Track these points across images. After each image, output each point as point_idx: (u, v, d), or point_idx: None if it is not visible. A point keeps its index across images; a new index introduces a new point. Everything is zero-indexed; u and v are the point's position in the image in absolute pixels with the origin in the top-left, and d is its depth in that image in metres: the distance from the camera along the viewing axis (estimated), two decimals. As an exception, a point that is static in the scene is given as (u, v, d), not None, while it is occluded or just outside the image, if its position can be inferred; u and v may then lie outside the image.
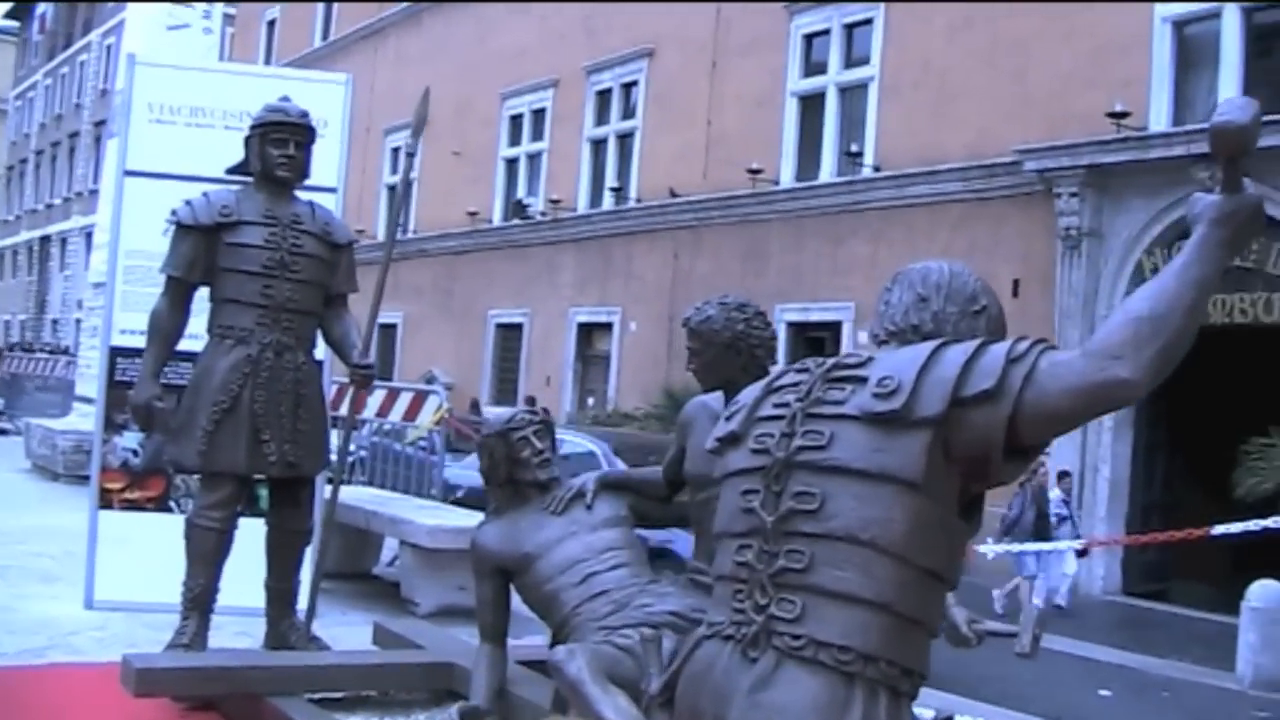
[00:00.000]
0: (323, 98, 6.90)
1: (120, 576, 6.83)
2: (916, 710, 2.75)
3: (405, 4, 32.90)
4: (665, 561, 7.46)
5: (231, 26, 31.15)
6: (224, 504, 5.48)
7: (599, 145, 26.46)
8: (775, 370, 2.87)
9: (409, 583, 7.61)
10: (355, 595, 7.96)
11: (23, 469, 14.41)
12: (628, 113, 25.78)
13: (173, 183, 6.94)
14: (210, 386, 5.44)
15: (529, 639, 6.91)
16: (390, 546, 8.92)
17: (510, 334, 28.15)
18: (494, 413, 22.80)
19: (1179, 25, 16.63)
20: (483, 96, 28.93)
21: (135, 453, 7.07)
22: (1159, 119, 16.45)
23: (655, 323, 23.87)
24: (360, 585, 8.27)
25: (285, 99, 5.78)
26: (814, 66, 21.70)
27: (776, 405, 2.72)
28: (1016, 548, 13.38)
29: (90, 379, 13.82)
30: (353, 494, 8.31)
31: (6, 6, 64.98)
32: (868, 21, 20.60)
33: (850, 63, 21.04)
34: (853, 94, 20.91)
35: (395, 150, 31.82)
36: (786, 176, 21.73)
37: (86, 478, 12.92)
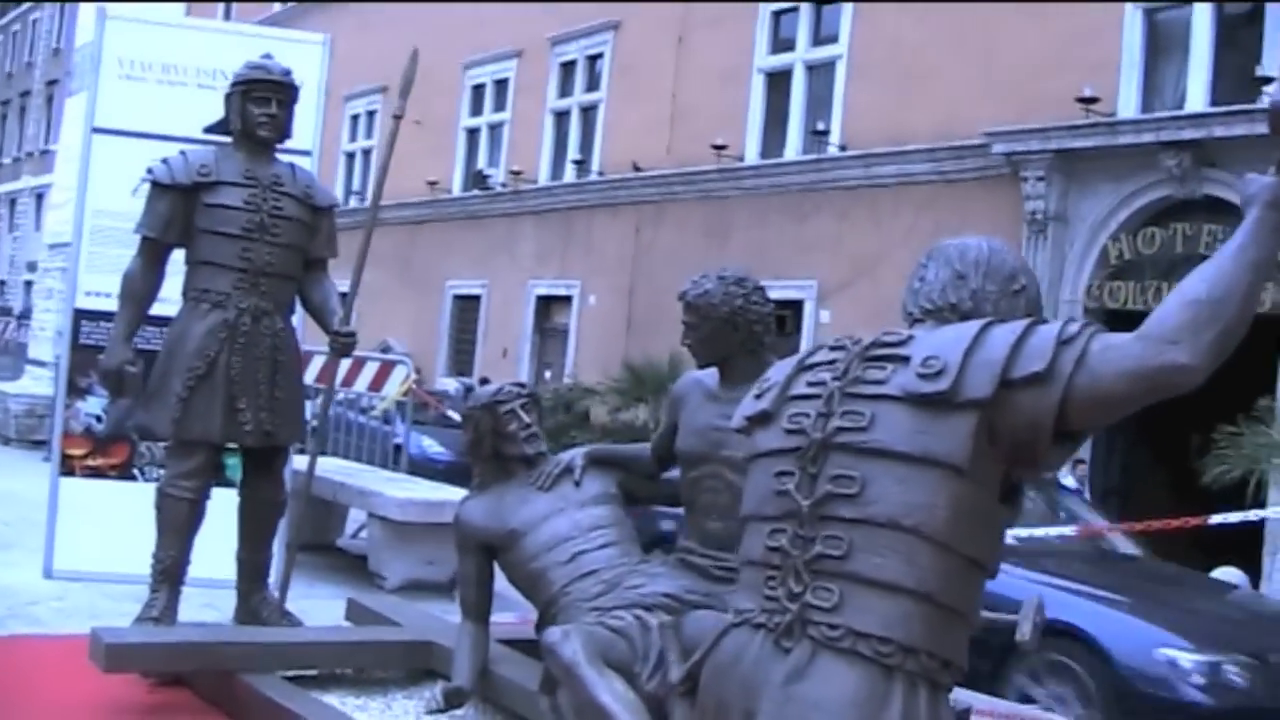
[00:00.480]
0: (299, 58, 6.69)
1: (81, 546, 6.67)
2: None
3: (367, -31, 32.53)
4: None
5: (190, -13, 30.60)
6: (197, 473, 5.31)
7: (562, 117, 26.21)
8: (807, 348, 2.74)
9: (377, 556, 7.47)
10: (321, 568, 7.81)
11: (-28, 432, 14.15)
12: (592, 85, 25.53)
13: (142, 141, 6.78)
14: (185, 351, 5.27)
15: (499, 615, 6.81)
16: (355, 518, 8.77)
17: (468, 305, 27.90)
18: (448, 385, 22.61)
19: (1150, 12, 16.58)
20: (444, 66, 28.53)
21: (99, 418, 6.88)
22: (1128, 105, 16.40)
23: (615, 296, 23.71)
24: (325, 558, 8.13)
25: (268, 56, 5.59)
26: (782, 43, 21.53)
27: (811, 384, 2.60)
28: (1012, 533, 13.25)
29: (44, 341, 13.58)
30: (319, 465, 8.13)
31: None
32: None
33: (819, 40, 20.88)
34: (820, 72, 20.75)
35: (355, 117, 31.44)
36: (751, 153, 21.57)
37: (39, 442, 12.81)
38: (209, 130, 5.66)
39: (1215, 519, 6.35)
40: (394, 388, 10.76)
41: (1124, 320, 16.15)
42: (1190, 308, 2.31)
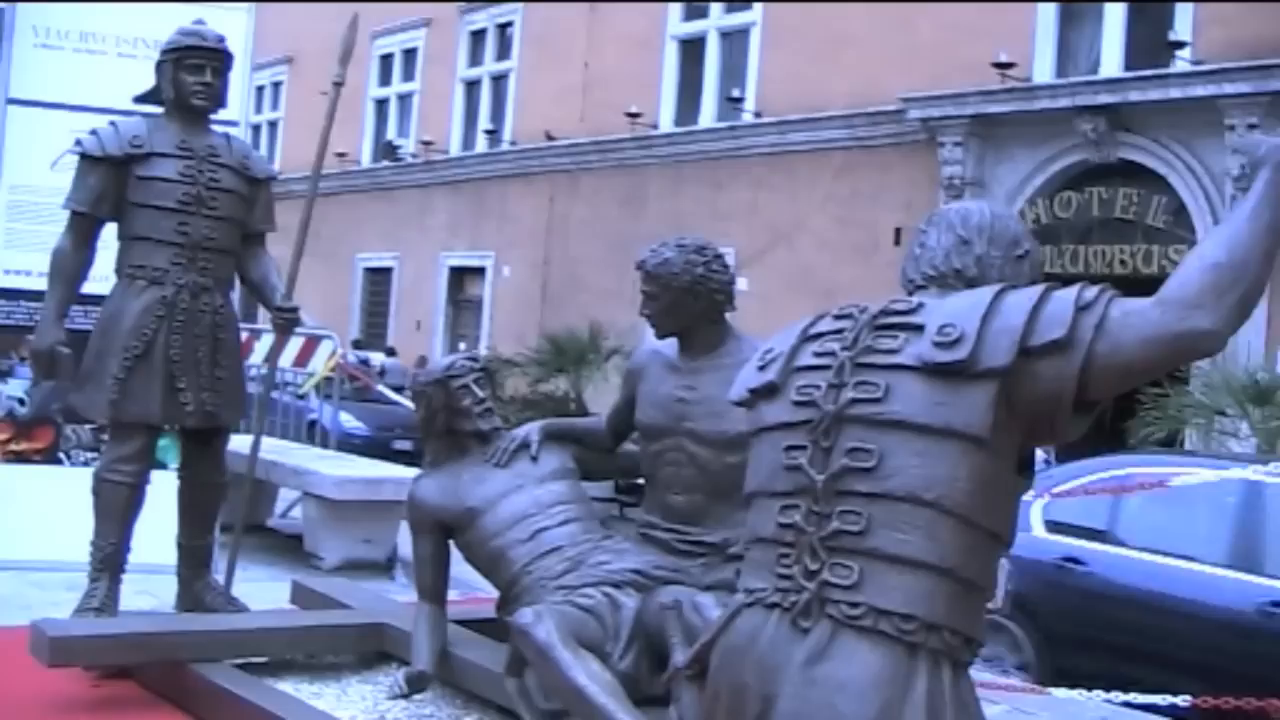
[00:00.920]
0: (222, 26, 6.46)
1: (5, 533, 6.43)
2: None
3: (268, -63, 31.87)
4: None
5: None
6: (136, 457, 5.11)
7: (473, 86, 25.91)
8: (810, 316, 2.65)
9: (313, 536, 7.30)
10: (253, 549, 7.59)
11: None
12: (503, 53, 25.26)
13: (61, 112, 6.54)
14: (121, 331, 5.06)
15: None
16: (285, 497, 8.59)
17: (379, 278, 27.58)
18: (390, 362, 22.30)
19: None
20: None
21: (21, 401, 6.64)
22: (1043, 70, 16.52)
23: (530, 267, 23.54)
24: (257, 538, 7.92)
25: (200, 22, 5.37)
26: (695, 10, 21.43)
27: (818, 354, 2.51)
28: None
29: (-51, 322, 13.16)
30: (246, 443, 7.94)
31: None
32: (751, -35, 20.40)
33: (732, 7, 20.81)
34: (735, 39, 20.69)
35: (260, 89, 30.84)
36: (666, 121, 21.48)
37: (-51, 426, 12.40)
38: (139, 100, 5.42)
39: (1176, 481, 6.36)
40: (320, 363, 10.51)
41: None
42: (1210, 272, 2.25)
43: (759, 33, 20.11)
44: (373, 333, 27.15)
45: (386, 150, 27.31)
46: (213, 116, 5.46)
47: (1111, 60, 16.02)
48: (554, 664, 3.65)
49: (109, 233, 5.32)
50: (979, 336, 2.32)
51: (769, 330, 4.43)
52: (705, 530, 4.23)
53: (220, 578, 5.55)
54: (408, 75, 27.45)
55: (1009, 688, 5.89)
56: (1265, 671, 5.98)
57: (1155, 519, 7.21)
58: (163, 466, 5.64)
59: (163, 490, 5.44)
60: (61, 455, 6.65)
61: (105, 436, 6.43)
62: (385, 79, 28.01)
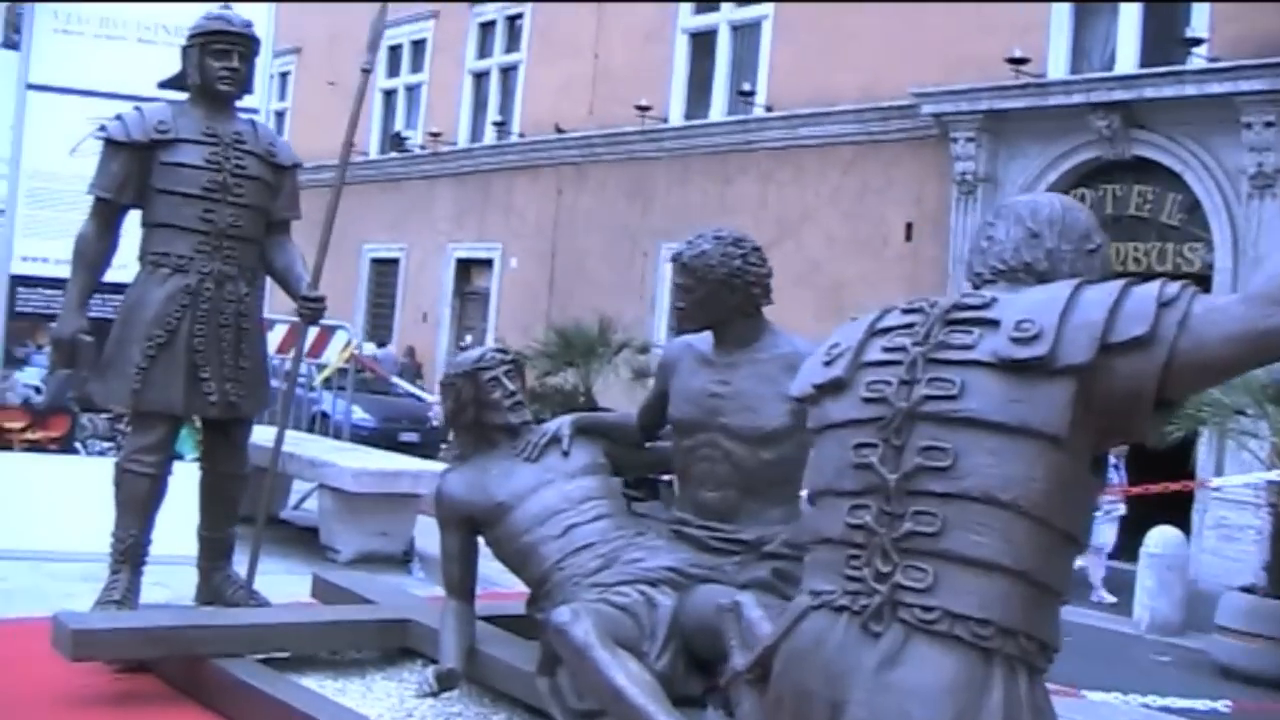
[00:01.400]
0: (244, 14, 6.39)
1: (20, 523, 6.35)
2: None
3: (275, -74, 31.75)
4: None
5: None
6: (158, 447, 5.04)
7: (481, 78, 25.83)
8: (876, 310, 2.57)
9: (328, 529, 7.22)
10: (267, 541, 7.44)
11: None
12: (512, 45, 25.15)
13: (80, 98, 6.46)
14: (144, 319, 4.98)
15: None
16: (298, 489, 8.51)
17: (385, 269, 27.50)
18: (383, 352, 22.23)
19: (1078, -29, 16.59)
20: (359, 26, 27.75)
21: (37, 390, 6.56)
22: (1057, 66, 16.41)
23: (537, 259, 23.46)
24: (271, 530, 7.81)
25: (226, 7, 5.29)
26: (706, 3, 21.33)
27: (887, 349, 2.43)
28: None
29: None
30: (261, 433, 7.87)
31: None
32: (763, -42, 20.30)
33: (744, 0, 20.71)
34: (746, 32, 20.60)
35: (270, 77, 30.74)
36: (675, 114, 21.38)
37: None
38: (164, 85, 5.34)
39: (1217, 480, 6.28)
40: (334, 354, 10.41)
41: (1053, 281, 16.20)
42: None
43: (770, 26, 20.01)
44: (379, 324, 27.08)
45: (394, 141, 27.22)
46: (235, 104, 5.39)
47: (1126, 56, 15.91)
48: (592, 664, 3.58)
49: (132, 219, 5.24)
50: (1058, 332, 2.25)
51: (777, 324, 4.36)
52: (739, 527, 4.16)
53: (241, 570, 5.47)
54: (416, 66, 27.35)
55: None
56: None
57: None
58: (179, 457, 5.56)
59: (179, 481, 5.36)
60: (77, 444, 6.57)
61: (121, 426, 6.38)
62: (393, 70, 27.89)
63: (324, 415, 13.57)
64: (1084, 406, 2.23)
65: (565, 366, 17.63)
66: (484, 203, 24.88)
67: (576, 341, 17.40)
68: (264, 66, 6.47)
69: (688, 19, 21.46)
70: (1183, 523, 12.74)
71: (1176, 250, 14.95)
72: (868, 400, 2.39)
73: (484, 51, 25.78)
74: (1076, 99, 15.60)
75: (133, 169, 5.05)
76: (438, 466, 7.92)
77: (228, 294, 5.10)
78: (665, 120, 21.32)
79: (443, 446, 18.42)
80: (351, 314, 27.03)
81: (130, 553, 5.04)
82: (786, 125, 19.26)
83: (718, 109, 20.75)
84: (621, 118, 21.70)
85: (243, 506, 5.60)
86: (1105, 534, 12.81)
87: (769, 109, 19.69)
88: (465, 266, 25.59)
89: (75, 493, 6.19)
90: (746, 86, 20.06)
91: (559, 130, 23.01)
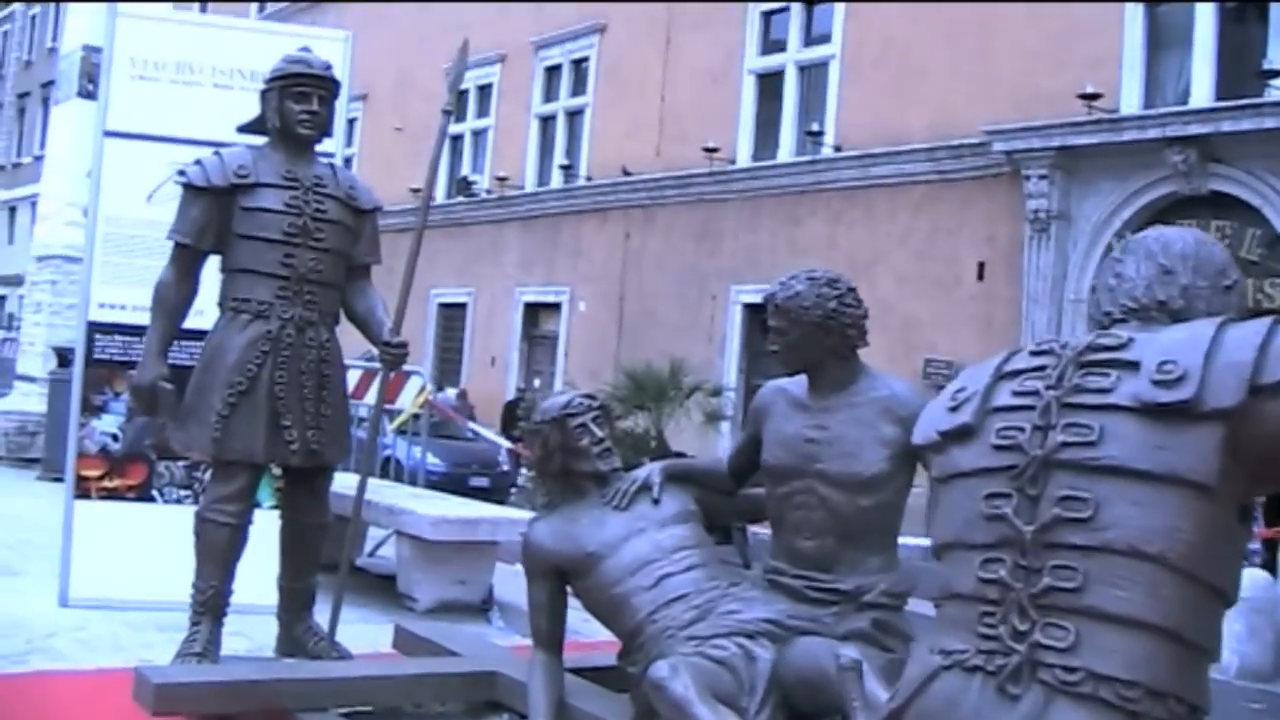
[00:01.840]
0: (321, 55, 6.37)
1: (97, 571, 6.30)
2: None
3: (343, -26, 32.09)
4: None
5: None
6: (239, 496, 4.96)
7: (547, 122, 25.92)
8: (1002, 353, 2.44)
9: (407, 577, 7.11)
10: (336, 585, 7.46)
11: (-41, 453, 13.70)
12: (578, 89, 25.24)
13: (157, 144, 6.43)
14: (225, 366, 4.91)
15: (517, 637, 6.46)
16: (373, 535, 8.42)
17: (453, 313, 27.57)
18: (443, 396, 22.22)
19: (1150, 5, 16.37)
20: (425, 71, 28.15)
21: (115, 437, 6.51)
22: (1130, 101, 16.21)
23: (605, 303, 23.42)
24: (347, 578, 7.75)
25: (306, 49, 5.25)
26: (773, 44, 21.30)
27: (1018, 393, 2.30)
28: None
29: (33, 356, 13.17)
30: (338, 480, 7.82)
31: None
32: (828, -2, 20.24)
33: (810, 40, 20.66)
34: (813, 72, 20.53)
35: (334, 124, 31.03)
36: (743, 155, 21.32)
37: (31, 460, 12.39)
38: (243, 129, 5.29)
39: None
40: (409, 399, 10.35)
41: (1131, 319, 15.94)
42: None
43: (837, 65, 19.93)
44: (447, 368, 27.13)
45: (461, 186, 27.34)
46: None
47: (1201, 90, 15.67)
48: (691, 720, 3.44)
49: (211, 265, 5.19)
50: (1204, 374, 2.11)
51: (872, 367, 4.22)
52: (837, 577, 4.00)
53: (321, 621, 5.37)
54: (482, 111, 27.49)
55: None
56: None
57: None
58: (257, 505, 5.48)
59: (258, 529, 5.28)
60: (154, 492, 6.51)
61: (199, 473, 6.32)
62: (460, 115, 28.02)
63: (394, 460, 13.54)
64: (1232, 452, 2.09)
65: (636, 410, 17.53)
66: (552, 246, 24.90)
67: (647, 384, 17.30)
68: (342, 110, 6.45)
69: (754, 60, 21.42)
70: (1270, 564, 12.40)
71: (1257, 286, 14.65)
72: (999, 448, 2.25)
73: (550, 95, 25.87)
74: (1151, 134, 15.40)
75: (212, 214, 5.00)
76: (515, 513, 7.83)
77: (309, 340, 5.03)
78: (733, 162, 21.26)
79: (512, 491, 18.38)
80: (420, 359, 27.11)
81: (211, 604, 4.95)
82: (856, 165, 19.14)
83: (785, 150, 20.66)
84: (689, 160, 21.66)
85: (326, 555, 5.51)
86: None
87: (838, 149, 19.57)
88: (533, 310, 25.60)
89: (153, 541, 6.13)
90: (815, 127, 19.97)
91: (626, 173, 23.01)
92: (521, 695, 4.43)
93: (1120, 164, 15.96)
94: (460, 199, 27.25)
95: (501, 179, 26.12)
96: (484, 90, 27.40)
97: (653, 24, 22.96)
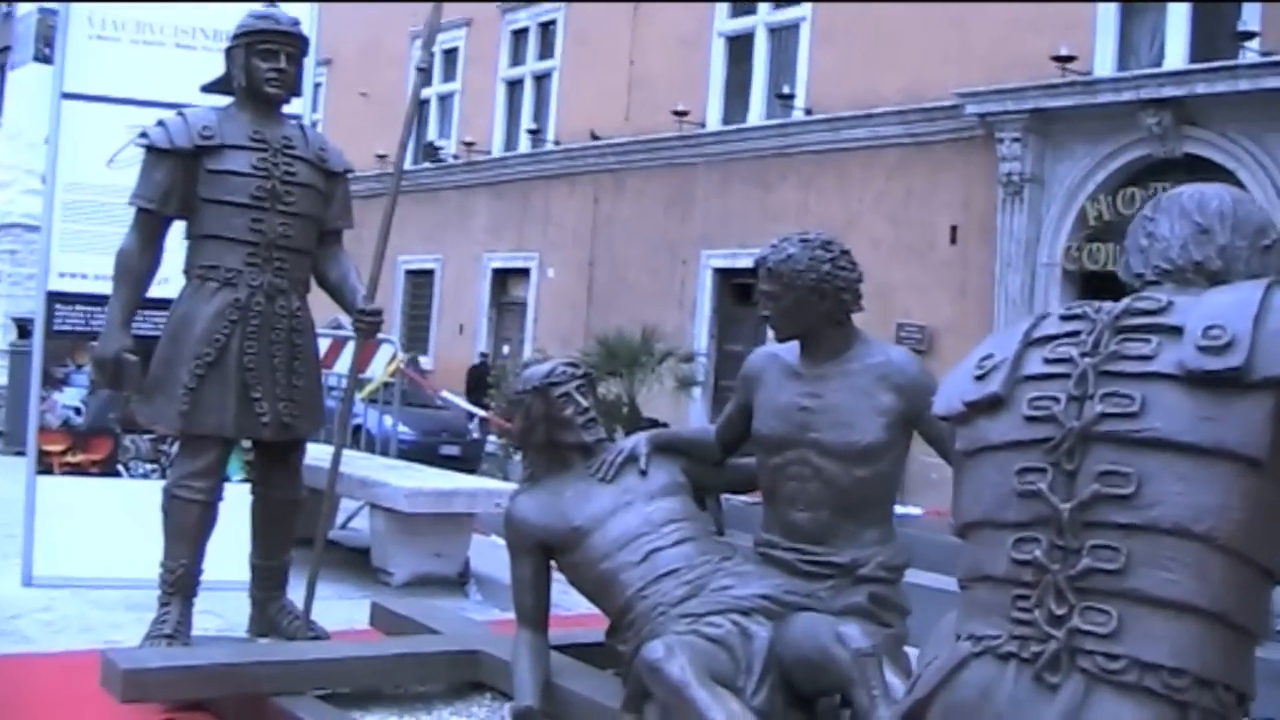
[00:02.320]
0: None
1: (63, 550, 6.08)
2: None
3: (305, -62, 31.65)
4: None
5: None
6: (209, 472, 4.77)
7: (514, 86, 25.65)
8: (1029, 318, 2.28)
9: (381, 551, 6.94)
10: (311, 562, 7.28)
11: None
12: (545, 52, 24.98)
13: (117, 107, 6.19)
14: (192, 336, 4.71)
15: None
16: (345, 508, 8.24)
17: (421, 280, 27.33)
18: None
19: (1125, -33, 16.26)
20: (390, 36, 27.89)
21: (78, 411, 6.29)
22: (1104, 63, 16.10)
23: (574, 269, 23.24)
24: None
25: (273, 5, 5.02)
26: (742, 6, 21.07)
27: (1050, 360, 2.15)
28: None
29: (-9, 329, 12.91)
30: (310, 452, 7.63)
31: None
32: (799, -40, 20.03)
33: (781, 2, 20.44)
34: (784, 35, 20.34)
35: (298, 90, 30.70)
36: (714, 119, 21.13)
37: (-6, 435, 12.12)
38: (207, 89, 5.07)
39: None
40: (380, 368, 10.15)
41: (1105, 282, 15.86)
42: None
43: (809, 28, 19.75)
44: (415, 336, 26.89)
45: (428, 151, 27.05)
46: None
47: (1176, 52, 15.58)
48: (690, 704, 3.29)
49: (175, 231, 4.98)
50: (1253, 340, 1.96)
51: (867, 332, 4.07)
52: (832, 550, 3.87)
53: (295, 599, 5.20)
54: (449, 76, 27.18)
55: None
56: None
57: None
58: (226, 479, 5.29)
59: (228, 503, 5.09)
60: (120, 467, 6.31)
61: (165, 447, 6.13)
62: (426, 79, 27.71)
63: (364, 430, 13.32)
64: None
65: (608, 377, 17.39)
66: (520, 212, 24.67)
67: (620, 351, 17.15)
68: (308, 74, 6.23)
69: (724, 22, 21.20)
70: None
71: (1232, 249, 14.56)
72: (1032, 419, 2.10)
73: (517, 59, 25.60)
74: (1126, 97, 15.30)
75: (177, 178, 4.78)
76: (492, 484, 7.66)
77: (279, 308, 4.83)
78: (703, 126, 21.08)
79: (483, 460, 18.22)
80: (389, 327, 26.85)
81: (181, 583, 4.76)
82: (828, 128, 18.98)
83: (756, 113, 20.48)
84: (659, 124, 21.46)
85: (320, 534, 5.32)
86: None
87: (809, 112, 19.41)
88: (502, 277, 25.40)
89: (119, 517, 5.93)
90: (786, 90, 19.80)
91: (595, 138, 22.79)
92: (505, 675, 4.28)
93: (1094, 127, 15.87)
94: (427, 165, 26.98)
95: (469, 144, 25.86)
96: (450, 55, 27.08)
97: (621, -14, 22.71)
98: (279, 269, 4.83)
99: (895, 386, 3.87)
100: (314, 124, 19.78)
